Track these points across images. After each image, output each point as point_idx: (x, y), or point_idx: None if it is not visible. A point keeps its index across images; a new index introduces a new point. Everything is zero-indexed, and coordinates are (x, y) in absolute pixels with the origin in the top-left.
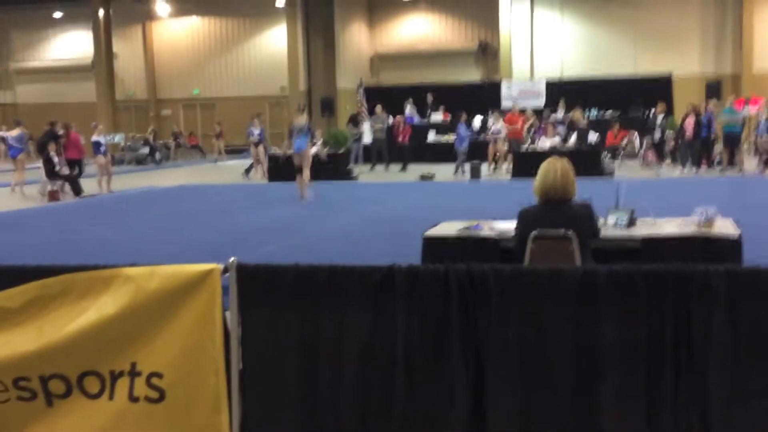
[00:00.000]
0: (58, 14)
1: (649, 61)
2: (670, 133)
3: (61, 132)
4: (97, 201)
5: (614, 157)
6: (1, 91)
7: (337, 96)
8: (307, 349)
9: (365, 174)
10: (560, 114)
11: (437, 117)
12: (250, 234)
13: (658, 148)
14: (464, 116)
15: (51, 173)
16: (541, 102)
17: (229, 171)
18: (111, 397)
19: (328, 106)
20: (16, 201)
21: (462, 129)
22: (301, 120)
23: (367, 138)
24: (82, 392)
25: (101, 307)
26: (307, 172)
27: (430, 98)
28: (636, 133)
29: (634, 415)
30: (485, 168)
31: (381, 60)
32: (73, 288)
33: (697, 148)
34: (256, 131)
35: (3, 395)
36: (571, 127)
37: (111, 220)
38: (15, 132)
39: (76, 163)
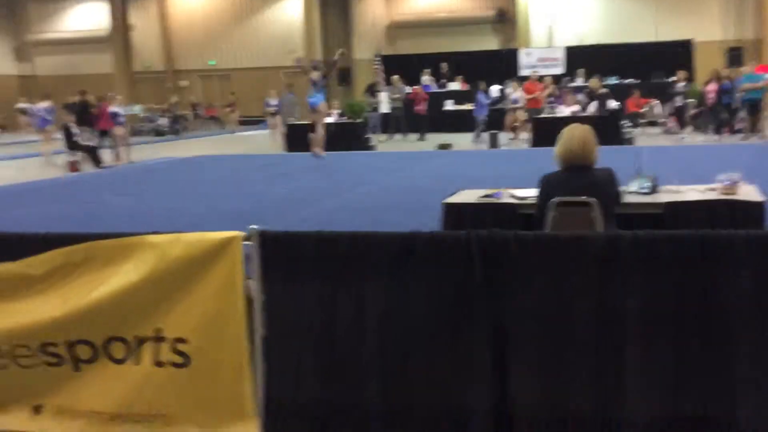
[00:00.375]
0: None
1: (669, 27)
2: (692, 101)
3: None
4: (116, 171)
5: (635, 124)
6: (21, 63)
7: (354, 66)
8: (329, 317)
9: (383, 144)
10: (579, 81)
11: (455, 86)
12: (270, 204)
13: (680, 115)
14: (483, 85)
15: (71, 144)
16: (560, 69)
17: (247, 141)
18: (137, 362)
19: (345, 76)
20: (47, 171)
21: (482, 97)
22: (314, 77)
23: (384, 107)
24: (108, 357)
25: (125, 273)
26: (319, 129)
27: (444, 67)
28: (657, 101)
29: (659, 383)
30: (504, 137)
31: (397, 28)
32: (97, 255)
33: (718, 115)
34: (273, 102)
35: (30, 360)
36: (591, 95)
37: (132, 190)
38: (44, 104)
39: (107, 134)
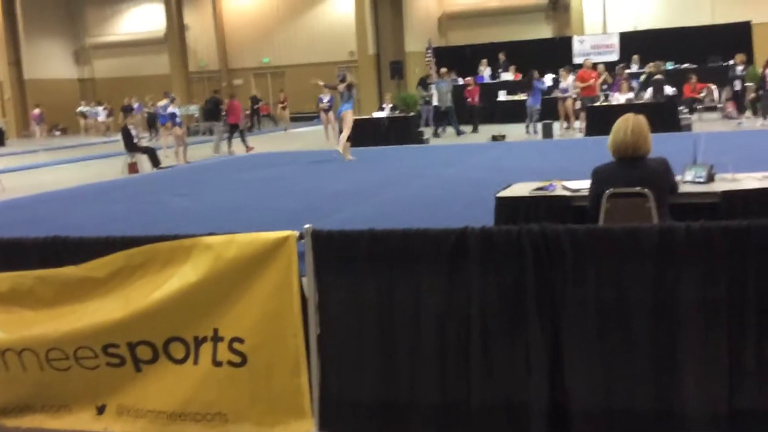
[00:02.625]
0: None
1: (726, 9)
2: (751, 85)
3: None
4: (174, 172)
5: (692, 110)
6: (80, 66)
7: (406, 59)
8: (383, 313)
9: (436, 137)
10: (634, 68)
11: (508, 76)
12: (325, 200)
13: (738, 100)
14: (536, 73)
15: (130, 145)
16: (614, 56)
17: (301, 138)
18: (196, 362)
19: (398, 70)
20: (107, 173)
21: (538, 84)
22: (340, 88)
23: (437, 100)
24: (168, 357)
25: (183, 275)
26: (344, 134)
27: (502, 57)
28: (714, 86)
29: (715, 376)
30: (557, 127)
31: (449, 19)
32: (156, 257)
33: None
34: (326, 98)
35: (93, 361)
36: (648, 81)
37: (189, 190)
38: (163, 102)
39: (235, 127)
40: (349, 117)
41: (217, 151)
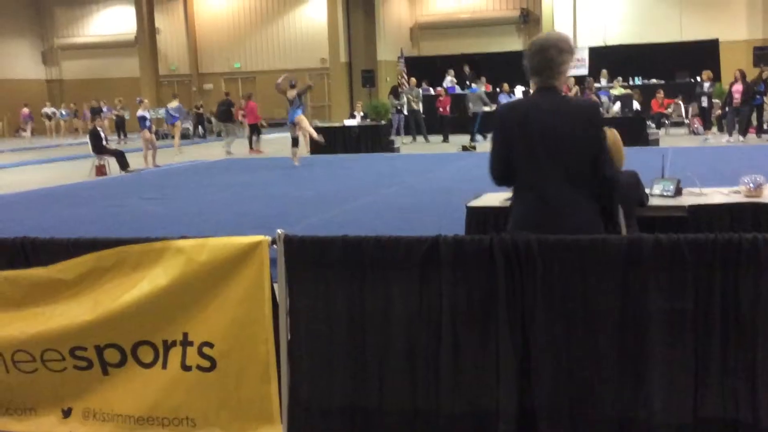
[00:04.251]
0: None
1: (694, 27)
2: (717, 102)
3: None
4: (143, 175)
5: (659, 125)
6: (48, 67)
7: (378, 67)
8: (354, 320)
9: (407, 146)
10: (603, 82)
11: (479, 87)
12: (295, 206)
13: (705, 116)
14: (506, 86)
15: (98, 147)
16: (584, 70)
17: (272, 144)
18: (164, 366)
19: (369, 78)
20: (73, 175)
21: (503, 99)
22: (292, 94)
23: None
24: (136, 361)
25: (154, 278)
26: (300, 139)
27: (467, 69)
28: (681, 101)
29: (681, 385)
30: None
31: (422, 30)
32: (126, 260)
33: (744, 116)
34: None
35: (60, 364)
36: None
37: (159, 194)
38: (174, 104)
39: (254, 127)
40: (304, 120)
41: (228, 152)
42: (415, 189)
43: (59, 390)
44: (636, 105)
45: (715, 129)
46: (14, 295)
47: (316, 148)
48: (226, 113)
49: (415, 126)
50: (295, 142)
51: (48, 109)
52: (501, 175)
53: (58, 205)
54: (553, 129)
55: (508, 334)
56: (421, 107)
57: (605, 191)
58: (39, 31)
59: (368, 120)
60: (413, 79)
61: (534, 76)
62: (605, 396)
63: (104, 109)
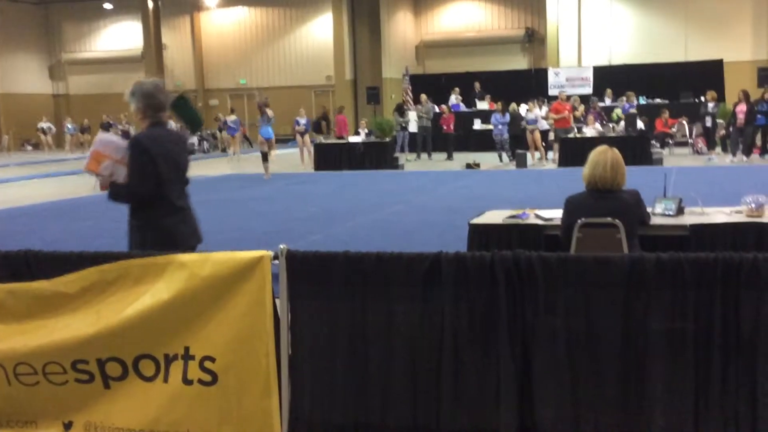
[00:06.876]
0: (108, 6)
1: (699, 47)
2: (721, 122)
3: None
4: None
5: (663, 144)
6: (55, 81)
7: (383, 85)
8: (356, 336)
9: (411, 163)
10: (607, 101)
11: (483, 105)
12: (298, 222)
13: (709, 136)
14: (500, 105)
15: None
16: (588, 89)
17: (277, 160)
18: (165, 380)
19: (374, 95)
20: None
21: (496, 118)
22: (271, 113)
23: (412, 127)
24: (137, 375)
25: (156, 292)
26: (271, 155)
27: (477, 87)
28: (686, 121)
29: (681, 404)
30: (531, 157)
31: (427, 48)
32: (129, 274)
33: (748, 136)
34: (302, 121)
35: (62, 377)
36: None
37: None
38: (232, 117)
39: (344, 138)
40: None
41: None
42: (419, 206)
43: (61, 403)
44: (640, 124)
45: (719, 149)
46: (17, 307)
47: (321, 164)
48: (318, 125)
49: (422, 143)
50: (264, 157)
51: (44, 124)
52: None
53: (63, 219)
54: None
55: (510, 352)
56: (430, 124)
57: None
58: (47, 45)
59: (373, 137)
60: (424, 96)
61: None
62: (607, 415)
63: (112, 123)
